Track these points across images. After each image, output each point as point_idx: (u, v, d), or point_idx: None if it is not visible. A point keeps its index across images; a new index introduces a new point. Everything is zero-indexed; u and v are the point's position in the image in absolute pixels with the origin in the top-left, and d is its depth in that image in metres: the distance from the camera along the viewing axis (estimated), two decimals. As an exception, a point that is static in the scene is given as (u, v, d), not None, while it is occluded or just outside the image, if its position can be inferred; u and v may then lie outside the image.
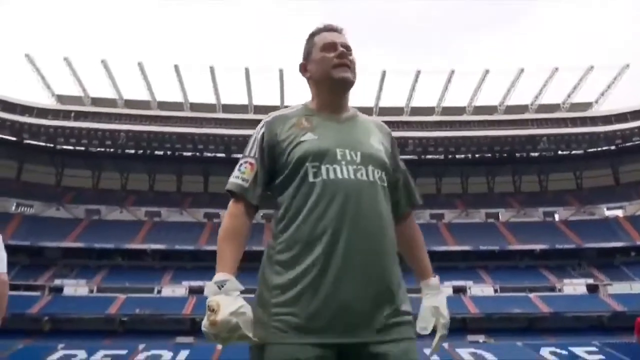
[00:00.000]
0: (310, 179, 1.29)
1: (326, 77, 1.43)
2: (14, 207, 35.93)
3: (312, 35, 1.50)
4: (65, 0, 74.21)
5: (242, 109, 36.41)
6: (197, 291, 32.48)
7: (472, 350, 25.54)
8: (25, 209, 36.24)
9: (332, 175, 1.29)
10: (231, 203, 1.42)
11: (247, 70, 33.74)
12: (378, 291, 1.26)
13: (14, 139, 35.91)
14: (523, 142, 37.16)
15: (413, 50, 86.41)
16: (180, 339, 29.12)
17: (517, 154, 39.52)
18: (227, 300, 1.20)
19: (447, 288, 32.31)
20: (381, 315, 1.25)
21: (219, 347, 29.28)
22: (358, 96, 36.20)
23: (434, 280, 1.50)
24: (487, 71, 34.59)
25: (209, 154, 39.33)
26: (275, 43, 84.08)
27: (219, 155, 38.81)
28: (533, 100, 37.02)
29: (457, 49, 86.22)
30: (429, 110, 37.71)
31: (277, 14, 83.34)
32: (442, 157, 40.22)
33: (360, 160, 1.33)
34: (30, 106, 34.74)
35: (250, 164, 1.41)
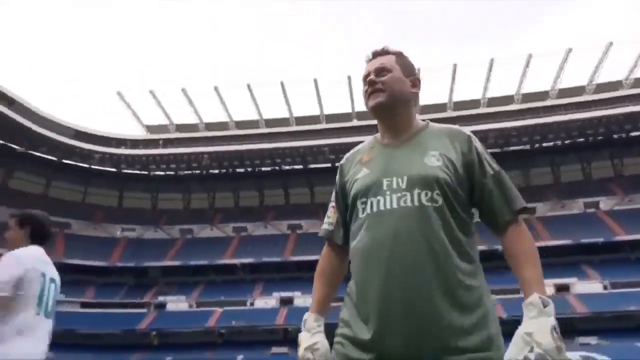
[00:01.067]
0: (360, 214, 1.32)
1: (368, 109, 1.45)
2: (119, 232, 39.36)
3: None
4: (147, 37, 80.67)
5: (314, 120, 36.99)
6: (287, 302, 33.28)
7: (584, 353, 23.36)
8: (128, 233, 39.55)
9: (375, 208, 1.28)
10: (324, 246, 1.51)
11: (315, 81, 34.27)
12: (421, 329, 1.18)
13: (114, 170, 39.51)
14: (620, 122, 33.87)
15: (481, 40, 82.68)
16: (276, 349, 29.96)
17: (614, 136, 36.09)
18: (305, 336, 1.36)
19: (548, 287, 30.22)
20: (430, 357, 1.17)
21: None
22: (431, 94, 35.33)
23: (532, 299, 1.18)
24: (569, 50, 32.06)
25: (287, 167, 40.40)
26: (340, 51, 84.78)
27: (296, 167, 39.71)
28: (627, 74, 33.63)
29: (530, 32, 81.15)
30: (507, 100, 35.68)
31: (340, 24, 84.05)
32: (527, 147, 37.84)
33: (405, 185, 1.28)
34: (124, 138, 38.06)
35: (333, 207, 1.49)
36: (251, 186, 41.14)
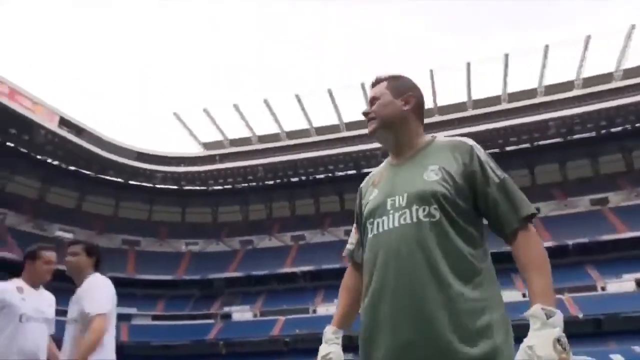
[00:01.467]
0: (369, 235, 1.38)
1: None
2: (183, 247, 41.01)
3: None
4: (197, 56, 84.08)
5: (364, 124, 36.71)
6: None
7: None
8: (192, 247, 41.12)
9: (380, 229, 1.34)
10: (349, 264, 1.61)
11: (362, 85, 34.15)
12: (426, 345, 1.19)
13: (175, 187, 41.32)
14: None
15: (535, 27, 78.96)
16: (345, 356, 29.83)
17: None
18: (322, 347, 1.49)
19: (628, 282, 28.13)
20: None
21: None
22: (483, 88, 34.09)
23: (533, 310, 1.15)
24: (633, 27, 29.90)
25: (340, 173, 40.45)
26: (386, 53, 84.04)
27: (349, 172, 39.65)
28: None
29: (588, 13, 76.62)
30: (567, 86, 33.77)
31: (385, 26, 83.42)
32: (593, 134, 35.56)
33: (405, 202, 1.31)
34: (182, 156, 39.78)
35: (355, 228, 1.57)
36: (306, 194, 41.55)
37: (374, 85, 1.54)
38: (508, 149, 37.09)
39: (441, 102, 35.51)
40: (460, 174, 1.32)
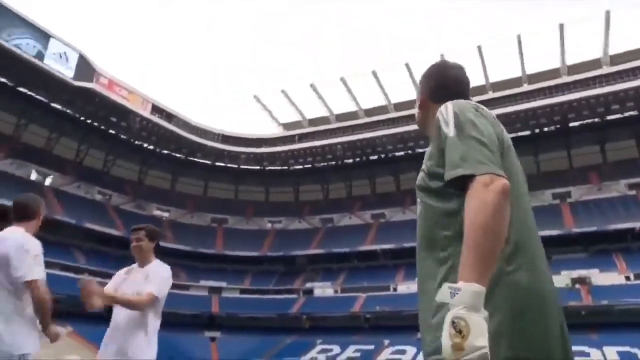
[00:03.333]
0: None
1: None
2: (268, 225, 42.70)
3: None
4: (275, 37, 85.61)
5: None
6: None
7: None
8: (276, 225, 42.67)
9: None
10: None
11: (442, 57, 32.78)
12: (422, 329, 1.25)
13: (258, 167, 42.91)
14: None
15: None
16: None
17: None
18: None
19: None
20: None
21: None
22: (537, 60, 31.66)
23: (441, 291, 1.02)
24: None
25: (420, 150, 39.43)
26: (465, 27, 79.45)
27: (430, 149, 38.51)
28: None
29: None
30: (635, 54, 29.97)
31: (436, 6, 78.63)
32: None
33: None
34: (264, 138, 41.05)
35: None
36: (386, 172, 41.11)
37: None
38: (609, 117, 34.02)
39: (493, 78, 33.52)
40: (431, 154, 1.24)
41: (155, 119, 35.49)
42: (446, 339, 0.92)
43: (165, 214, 41.05)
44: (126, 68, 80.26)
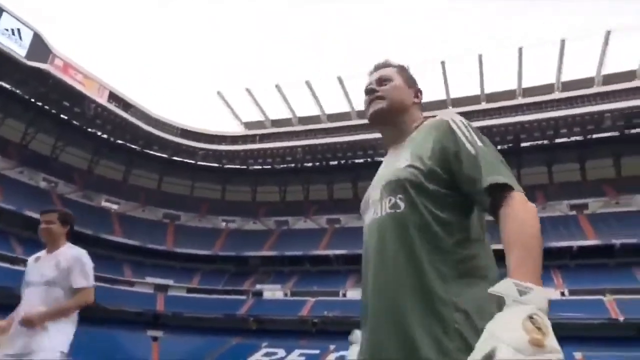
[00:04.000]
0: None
1: (368, 119, 1.46)
2: (222, 223, 42.01)
3: None
4: (241, 35, 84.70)
5: (440, 104, 36.39)
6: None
7: None
8: (230, 224, 42.04)
9: (366, 222, 1.31)
10: None
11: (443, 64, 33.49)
12: (398, 342, 1.09)
13: (216, 165, 42.19)
14: None
15: (594, 13, 74.43)
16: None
17: None
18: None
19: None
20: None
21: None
22: (534, 74, 32.86)
23: (503, 285, 0.94)
24: None
25: (379, 158, 40.03)
26: (436, 34, 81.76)
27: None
28: None
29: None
30: (628, 76, 31.90)
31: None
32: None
33: (380, 195, 1.25)
34: (224, 135, 40.44)
35: None
36: (345, 178, 41.47)
37: (380, 67, 1.47)
38: (557, 141, 35.91)
39: (489, 89, 34.61)
40: (432, 154, 1.20)
41: (112, 107, 34.20)
42: (522, 333, 0.82)
43: (115, 206, 39.52)
44: (84, 53, 77.07)
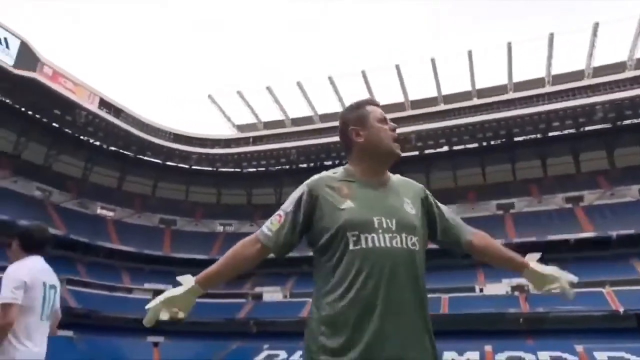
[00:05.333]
0: (351, 247, 1.40)
1: (384, 148, 1.57)
2: (218, 227, 41.89)
3: (362, 105, 1.64)
4: (230, 40, 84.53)
5: (432, 101, 36.46)
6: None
7: None
8: (227, 227, 41.93)
9: (370, 244, 1.38)
10: (254, 241, 1.65)
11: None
12: (405, 349, 1.33)
13: (210, 169, 42.07)
14: None
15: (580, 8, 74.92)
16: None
17: None
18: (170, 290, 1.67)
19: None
20: None
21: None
22: (525, 68, 33.00)
23: (534, 263, 1.68)
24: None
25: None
26: (425, 32, 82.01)
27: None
28: None
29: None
30: (617, 67, 32.14)
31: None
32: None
33: (395, 228, 1.41)
34: (217, 139, 40.36)
35: (280, 216, 1.63)
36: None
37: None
38: (550, 134, 36.11)
39: (479, 85, 34.76)
40: (421, 210, 1.55)
41: (103, 113, 34.02)
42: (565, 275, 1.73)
43: (110, 214, 39.34)
44: (73, 61, 76.69)
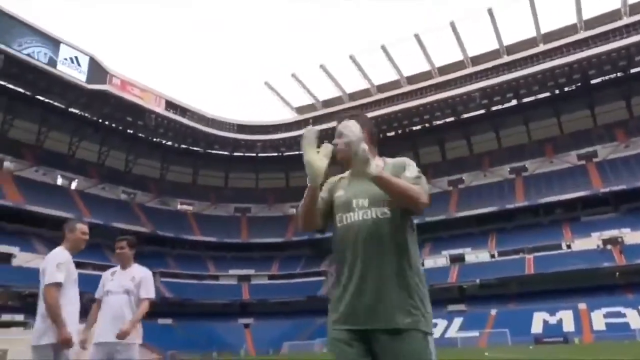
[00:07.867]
0: (338, 224, 1.80)
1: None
2: (290, 210, 42.91)
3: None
4: (280, 21, 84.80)
5: (459, 65, 34.86)
6: (458, 259, 32.60)
7: None
8: (296, 209, 42.82)
9: (348, 220, 1.75)
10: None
11: (452, 24, 32.03)
12: (376, 299, 1.62)
13: (275, 154, 42.96)
14: None
15: None
16: (452, 307, 29.70)
17: None
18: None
19: None
20: (383, 314, 1.61)
21: (492, 312, 28.84)
22: (514, 30, 30.37)
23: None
24: None
25: (438, 122, 39.09)
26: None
27: (448, 120, 38.13)
28: None
29: None
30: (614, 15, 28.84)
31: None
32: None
33: (368, 204, 1.73)
34: (279, 124, 41.00)
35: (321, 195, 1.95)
36: (407, 147, 40.73)
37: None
38: (593, 82, 32.98)
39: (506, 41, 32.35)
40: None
41: (170, 114, 35.77)
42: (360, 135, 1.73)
43: (189, 208, 41.67)
44: (135, 67, 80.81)
